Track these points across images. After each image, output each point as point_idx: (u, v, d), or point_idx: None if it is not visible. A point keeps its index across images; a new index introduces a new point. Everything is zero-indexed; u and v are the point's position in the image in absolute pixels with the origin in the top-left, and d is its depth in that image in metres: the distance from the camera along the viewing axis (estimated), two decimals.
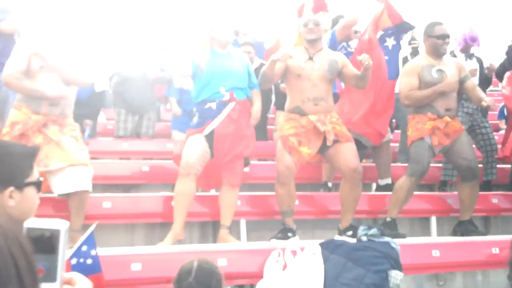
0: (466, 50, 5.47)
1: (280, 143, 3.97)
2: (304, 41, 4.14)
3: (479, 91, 4.31)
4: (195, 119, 3.94)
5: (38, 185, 1.57)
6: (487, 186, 5.42)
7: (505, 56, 5.89)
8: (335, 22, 5.15)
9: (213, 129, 3.82)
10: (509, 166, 5.60)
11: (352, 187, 3.97)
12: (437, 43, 4.30)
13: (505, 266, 3.87)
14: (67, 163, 3.50)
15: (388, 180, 5.01)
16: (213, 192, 4.49)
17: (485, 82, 5.63)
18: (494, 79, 6.42)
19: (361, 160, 5.42)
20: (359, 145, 4.62)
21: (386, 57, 4.74)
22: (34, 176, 1.55)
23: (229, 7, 5.82)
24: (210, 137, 3.83)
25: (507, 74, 5.23)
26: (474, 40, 5.44)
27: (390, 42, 4.83)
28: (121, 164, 5.23)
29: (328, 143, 3.94)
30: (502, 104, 6.98)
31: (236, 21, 7.27)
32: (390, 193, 4.76)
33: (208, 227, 4.34)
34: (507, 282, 4.40)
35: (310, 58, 4.03)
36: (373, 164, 5.44)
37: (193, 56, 3.89)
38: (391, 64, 4.79)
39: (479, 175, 4.32)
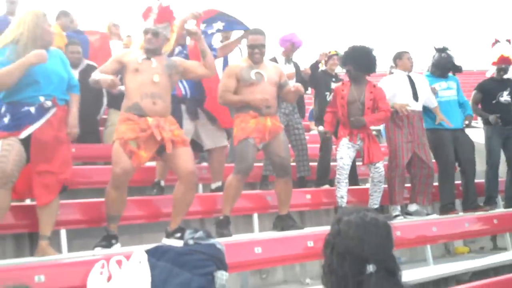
0: (287, 54, 5.88)
1: (118, 145, 3.85)
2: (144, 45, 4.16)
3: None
4: (6, 120, 3.56)
5: None
6: (301, 182, 5.92)
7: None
8: None
9: (30, 134, 3.53)
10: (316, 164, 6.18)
11: (187, 190, 4.00)
12: (248, 51, 4.61)
13: (319, 257, 4.27)
14: None
15: (219, 183, 5.15)
16: (29, 201, 4.14)
17: (302, 85, 6.10)
18: None
19: (201, 163, 5.57)
20: (197, 147, 4.87)
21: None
22: None
23: None
24: (26, 142, 3.53)
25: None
26: (293, 43, 5.86)
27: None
28: None
29: (168, 151, 3.94)
30: (312, 106, 7.65)
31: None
32: (217, 193, 4.95)
33: (24, 239, 3.99)
34: (320, 270, 4.87)
35: (148, 58, 4.08)
36: (201, 166, 5.56)
37: (11, 51, 3.52)
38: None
39: (290, 172, 4.65)
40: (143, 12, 4.15)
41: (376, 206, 5.20)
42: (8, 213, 3.71)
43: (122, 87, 5.66)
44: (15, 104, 3.57)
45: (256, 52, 4.55)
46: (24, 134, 3.52)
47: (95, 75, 4.03)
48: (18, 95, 3.57)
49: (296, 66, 5.99)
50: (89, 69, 5.86)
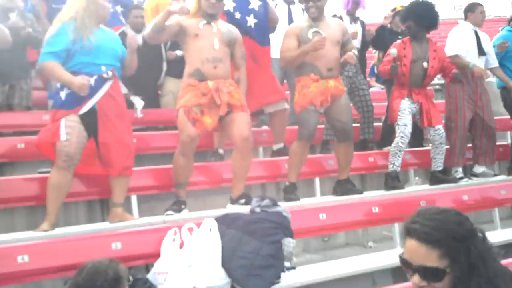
0: (351, 13, 5.68)
1: (182, 113, 3.89)
2: (202, 11, 4.08)
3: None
4: (63, 95, 3.56)
5: None
6: (364, 144, 5.83)
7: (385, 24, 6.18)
8: None
9: (94, 108, 3.57)
10: (380, 124, 6.06)
11: (243, 156, 4.02)
12: (304, 7, 4.48)
13: (384, 223, 4.26)
14: None
15: (281, 145, 5.14)
16: None
17: (365, 45, 5.92)
18: None
19: (261, 126, 5.54)
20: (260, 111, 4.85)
21: (255, 20, 4.72)
22: None
23: None
24: (88, 117, 3.57)
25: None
26: (357, 2, 5.66)
27: (255, 2, 4.75)
28: None
29: (221, 113, 3.95)
30: (373, 62, 7.43)
31: None
32: (278, 158, 4.96)
33: (95, 205, 4.16)
34: (382, 233, 4.85)
35: (208, 23, 4.06)
36: (260, 129, 5.55)
37: (70, 29, 3.56)
38: (260, 28, 4.76)
39: (352, 137, 4.55)
40: None
41: (440, 168, 5.08)
42: (80, 181, 3.86)
43: (178, 52, 5.73)
44: (74, 76, 3.54)
45: (310, 6, 4.37)
46: (84, 109, 3.55)
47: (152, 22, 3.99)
48: (77, 64, 3.56)
49: (363, 25, 5.78)
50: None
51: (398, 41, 5.08)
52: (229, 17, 4.65)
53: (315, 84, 4.34)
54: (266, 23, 4.82)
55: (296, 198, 4.40)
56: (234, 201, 4.13)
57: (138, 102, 5.28)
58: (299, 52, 4.28)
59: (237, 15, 4.67)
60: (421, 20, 4.88)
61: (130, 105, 5.47)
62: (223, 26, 4.15)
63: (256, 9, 4.73)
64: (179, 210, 3.96)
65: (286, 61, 4.40)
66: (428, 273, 1.50)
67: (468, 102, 5.23)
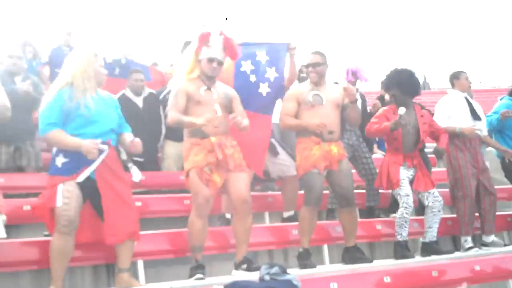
0: (352, 85, 5.78)
1: (195, 174, 3.88)
2: (201, 72, 4.14)
3: None
4: (60, 161, 3.53)
5: None
6: (370, 211, 5.78)
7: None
8: None
9: (92, 176, 3.54)
10: (388, 191, 6.02)
11: (241, 218, 4.00)
12: (306, 72, 4.60)
13: None
14: None
15: (291, 213, 5.11)
16: None
17: (365, 117, 5.98)
18: None
19: (266, 190, 5.52)
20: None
21: (269, 90, 4.77)
22: None
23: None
24: (85, 183, 3.53)
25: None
26: (355, 74, 5.79)
27: (271, 73, 4.80)
28: None
29: (231, 167, 3.94)
30: None
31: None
32: (286, 224, 4.90)
33: (101, 271, 4.06)
34: None
35: (208, 89, 4.10)
36: (266, 194, 5.52)
37: (66, 95, 3.55)
38: (270, 99, 4.83)
39: (354, 202, 4.53)
40: (201, 37, 4.12)
41: (435, 239, 4.97)
42: (85, 245, 3.77)
43: None
44: None
45: (310, 71, 4.52)
46: (81, 177, 3.51)
47: (177, 116, 3.97)
48: (74, 133, 3.54)
49: (363, 98, 5.89)
50: (151, 97, 6.02)
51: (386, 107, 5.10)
52: (243, 78, 4.70)
53: (317, 147, 4.37)
54: (276, 95, 4.88)
55: (312, 265, 4.33)
56: (237, 266, 4.05)
57: (135, 173, 4.94)
58: (298, 124, 4.42)
59: (252, 79, 4.74)
60: (405, 88, 4.91)
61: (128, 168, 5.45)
62: (221, 90, 4.17)
63: (272, 80, 4.81)
64: (204, 274, 3.87)
65: (285, 125, 4.53)
66: None
67: (471, 169, 5.23)
